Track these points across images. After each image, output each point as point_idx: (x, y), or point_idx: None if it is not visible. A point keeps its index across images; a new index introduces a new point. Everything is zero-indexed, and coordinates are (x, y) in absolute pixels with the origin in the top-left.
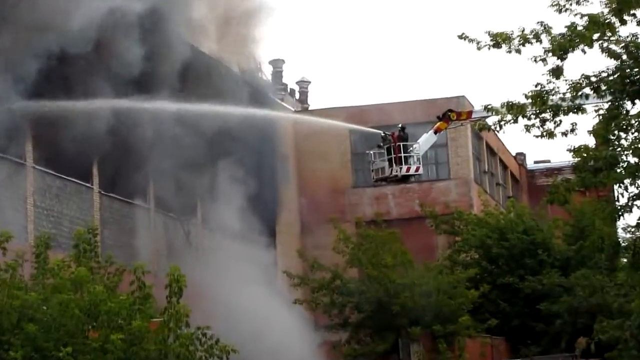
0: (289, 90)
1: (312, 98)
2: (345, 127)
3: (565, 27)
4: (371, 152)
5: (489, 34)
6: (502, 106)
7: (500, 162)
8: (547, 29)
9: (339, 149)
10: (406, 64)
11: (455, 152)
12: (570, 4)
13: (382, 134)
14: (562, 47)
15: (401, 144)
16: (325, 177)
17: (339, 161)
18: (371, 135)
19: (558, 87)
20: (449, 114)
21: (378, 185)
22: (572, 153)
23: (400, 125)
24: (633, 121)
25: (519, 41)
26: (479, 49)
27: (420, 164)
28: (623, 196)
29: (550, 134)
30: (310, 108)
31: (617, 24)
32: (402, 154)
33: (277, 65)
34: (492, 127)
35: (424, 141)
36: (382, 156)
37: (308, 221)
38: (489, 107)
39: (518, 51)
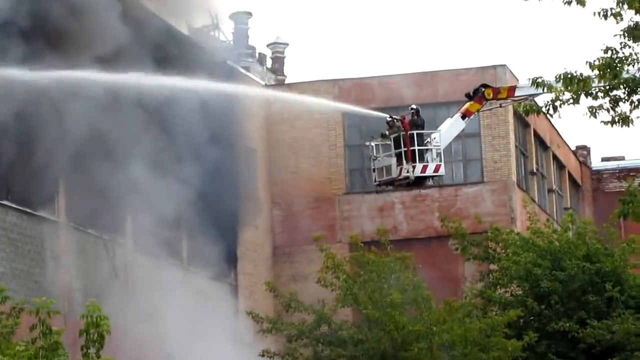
0: (257, 55)
1: (289, 67)
2: (337, 109)
3: None
4: (372, 144)
5: None
6: (557, 80)
7: (555, 160)
8: None
9: (328, 139)
10: (422, 23)
11: (492, 145)
12: None
13: (388, 119)
14: None
15: (415, 132)
16: (308, 179)
17: (327, 157)
18: (373, 121)
19: (637, 54)
20: (483, 90)
21: (382, 192)
22: None
23: (413, 107)
24: None
25: None
26: None
27: (441, 161)
28: None
29: (625, 120)
30: (287, 81)
31: None
32: (416, 147)
33: (240, 20)
34: (544, 110)
35: (448, 129)
36: (387, 150)
37: (283, 241)
38: (539, 80)
39: (581, 2)
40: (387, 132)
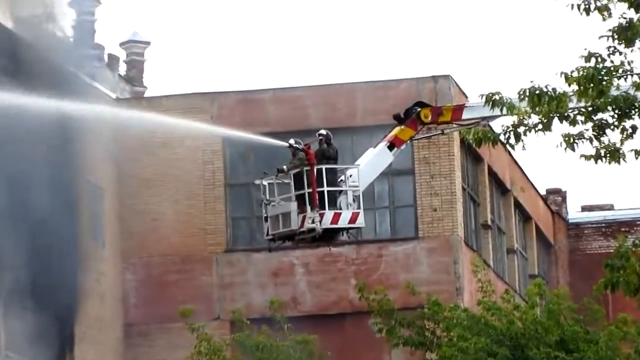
0: (106, 58)
1: (150, 76)
2: (216, 134)
3: None
4: (264, 183)
5: None
6: (520, 97)
7: (518, 208)
8: None
9: (203, 176)
10: (335, 21)
11: (430, 187)
12: None
13: (289, 145)
14: None
15: (323, 167)
16: (174, 230)
17: (201, 200)
18: (265, 150)
19: (631, 63)
20: (419, 110)
21: (277, 249)
22: None
23: (321, 132)
24: None
25: None
26: None
27: (359, 207)
28: None
29: (614, 154)
30: (147, 94)
31: None
32: (326, 188)
33: (84, 9)
34: (502, 139)
35: (369, 164)
36: (286, 191)
37: (139, 317)
38: (496, 98)
39: None
40: (285, 167)
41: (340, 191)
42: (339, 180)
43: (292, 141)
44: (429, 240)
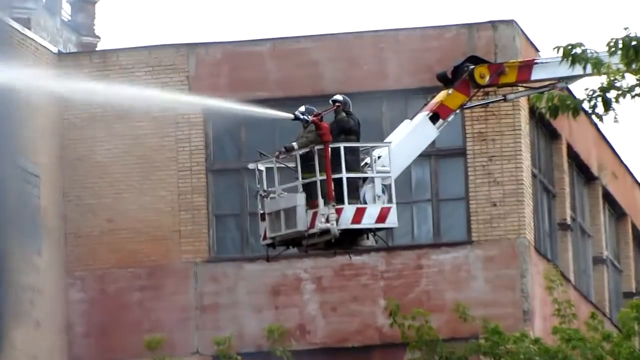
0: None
1: (104, 23)
2: (194, 103)
3: None
4: (260, 168)
5: None
6: (610, 50)
7: (608, 202)
8: None
9: (176, 159)
10: None
11: (487, 173)
12: None
13: (295, 116)
14: None
15: (341, 145)
16: (138, 232)
17: (174, 191)
18: (261, 123)
19: None
20: (472, 68)
21: (279, 259)
22: None
23: (337, 98)
24: None
25: None
26: None
27: (391, 200)
28: None
29: None
30: (100, 47)
31: None
32: (344, 174)
33: None
34: (587, 108)
35: (404, 140)
36: (289, 179)
37: (89, 350)
38: (577, 52)
39: None
40: (293, 144)
41: (365, 179)
42: (362, 163)
43: (301, 109)
44: (486, 246)
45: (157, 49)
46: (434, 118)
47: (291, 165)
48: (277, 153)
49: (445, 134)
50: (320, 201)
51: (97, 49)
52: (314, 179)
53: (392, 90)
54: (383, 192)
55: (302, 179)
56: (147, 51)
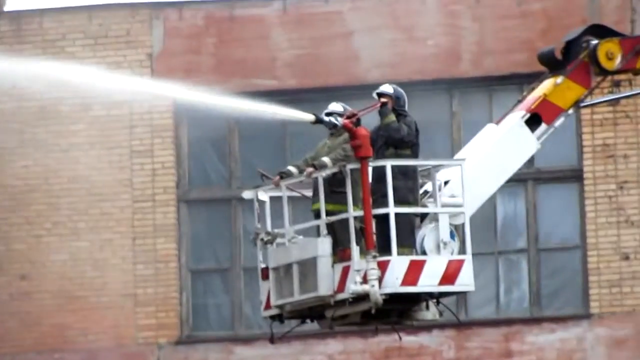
0: None
1: None
2: (161, 92)
3: None
4: (260, 197)
5: None
6: None
7: None
8: None
9: (129, 181)
10: None
11: (616, 207)
12: None
13: (316, 119)
14: None
15: (388, 163)
16: (68, 299)
17: (126, 236)
18: (265, 127)
19: None
20: (594, 44)
21: (287, 339)
22: None
23: (384, 90)
24: None
25: None
26: None
27: (464, 249)
28: None
29: None
30: (14, 4)
31: None
32: (392, 208)
33: None
34: None
35: (487, 156)
36: (305, 215)
37: None
38: None
39: None
40: (321, 163)
41: (424, 215)
42: (421, 192)
43: (331, 107)
44: (611, 322)
45: (101, 11)
46: (533, 122)
47: (308, 193)
48: (280, 174)
49: (550, 147)
50: (355, 250)
51: (5, 8)
52: (344, 215)
53: (468, 79)
54: (452, 236)
55: (327, 214)
56: (86, 14)
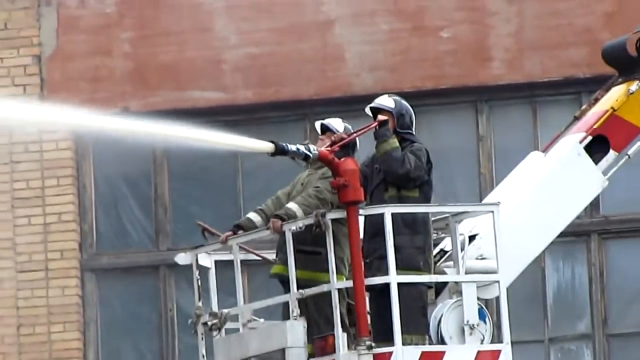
0: None
1: None
2: (61, 126)
3: None
4: (201, 260)
5: None
6: None
7: None
8: None
9: (11, 252)
10: None
11: None
12: None
13: (276, 148)
14: None
15: (389, 210)
16: None
17: (9, 324)
18: (209, 164)
19: None
20: None
21: None
22: None
23: (382, 103)
24: None
25: None
26: None
27: (502, 338)
28: None
29: None
30: None
31: None
32: (393, 276)
33: None
34: None
35: (527, 200)
36: (266, 287)
37: None
38: None
39: None
40: (288, 212)
41: (440, 286)
42: (436, 252)
43: (330, 123)
44: None
45: None
46: (598, 148)
47: (270, 255)
48: (234, 227)
49: (621, 185)
50: (341, 338)
51: None
52: (323, 287)
53: (500, 87)
54: (482, 316)
55: (299, 285)
56: None
